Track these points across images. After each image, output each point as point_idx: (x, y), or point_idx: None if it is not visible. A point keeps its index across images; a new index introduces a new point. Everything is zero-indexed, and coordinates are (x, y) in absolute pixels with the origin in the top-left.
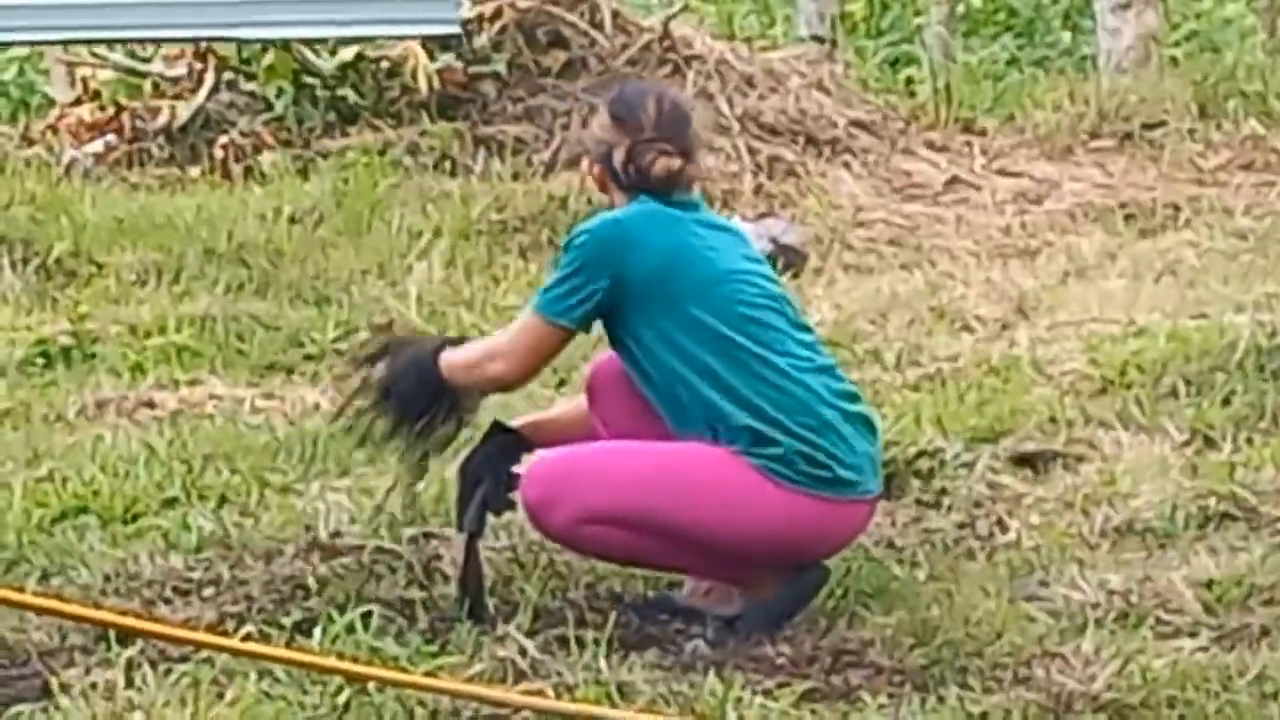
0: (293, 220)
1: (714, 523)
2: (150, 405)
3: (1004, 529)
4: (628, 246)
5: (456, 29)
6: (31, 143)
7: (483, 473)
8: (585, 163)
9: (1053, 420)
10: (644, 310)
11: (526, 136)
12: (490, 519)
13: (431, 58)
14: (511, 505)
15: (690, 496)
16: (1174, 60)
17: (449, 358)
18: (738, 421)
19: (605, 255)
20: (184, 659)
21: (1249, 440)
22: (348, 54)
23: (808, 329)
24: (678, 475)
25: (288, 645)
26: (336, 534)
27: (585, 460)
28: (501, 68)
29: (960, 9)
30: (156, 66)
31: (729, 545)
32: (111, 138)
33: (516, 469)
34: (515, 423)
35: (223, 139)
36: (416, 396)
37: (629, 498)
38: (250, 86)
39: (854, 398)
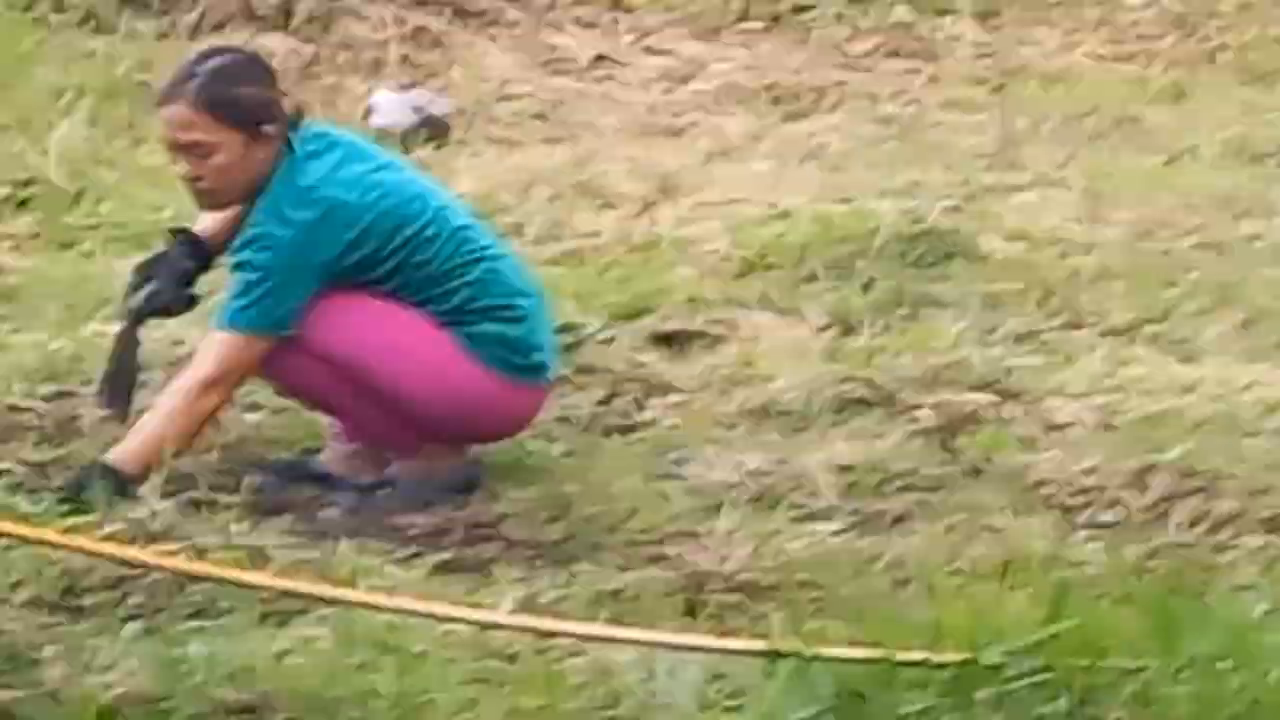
0: None
1: (413, 387)
2: None
3: (642, 408)
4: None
5: None
6: None
7: (159, 268)
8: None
9: (693, 300)
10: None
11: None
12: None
13: None
14: (188, 302)
15: (402, 357)
16: None
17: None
18: (448, 304)
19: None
20: None
21: (887, 327)
22: None
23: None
24: (395, 334)
25: None
26: None
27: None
28: None
29: None
30: None
31: (419, 410)
32: None
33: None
34: (197, 227)
35: None
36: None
37: (347, 342)
38: None
39: (538, 286)
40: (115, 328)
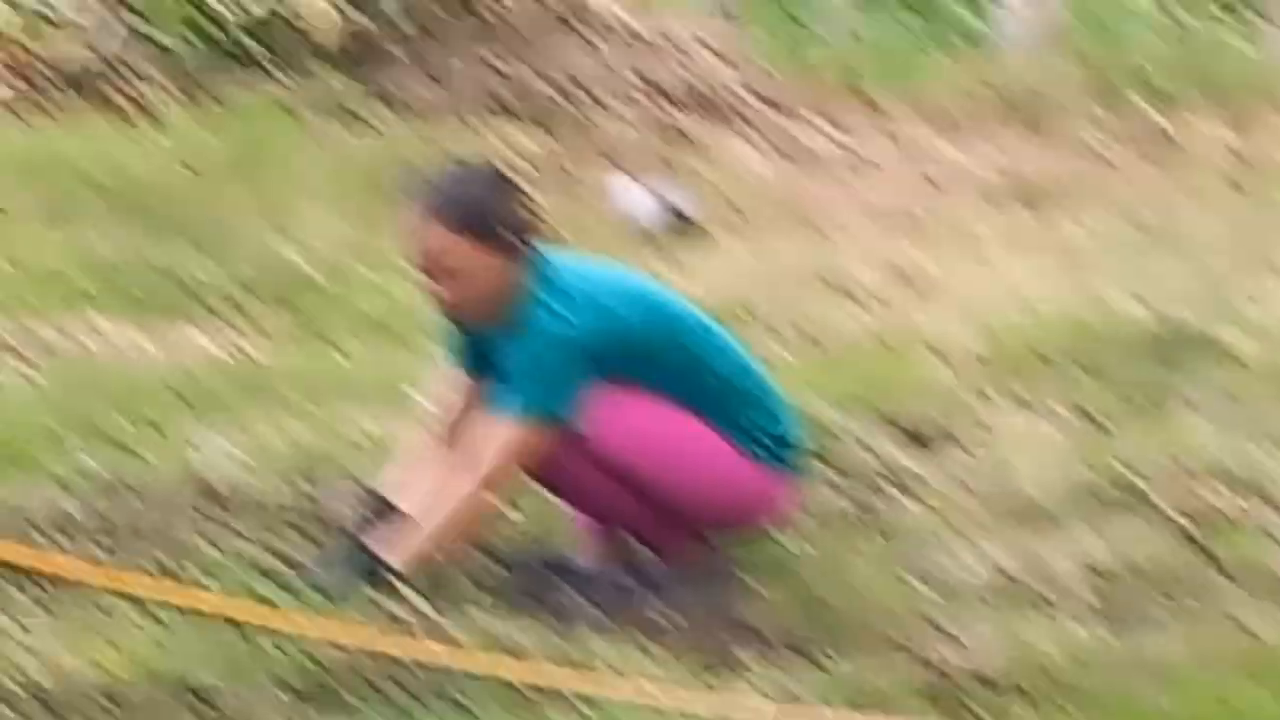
0: (191, 167)
1: (687, 484)
2: (35, 342)
3: (892, 504)
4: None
5: None
6: None
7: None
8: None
9: (942, 397)
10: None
11: (428, 94)
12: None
13: (337, 10)
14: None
15: (676, 454)
16: (1072, 43)
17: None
18: (709, 399)
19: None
20: (75, 602)
21: (1138, 425)
22: (257, 8)
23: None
24: (667, 431)
25: (181, 591)
26: (227, 481)
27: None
28: (405, 24)
29: None
30: (60, 9)
31: (690, 506)
32: (14, 80)
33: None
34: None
35: (124, 84)
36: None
37: (620, 439)
38: (154, 32)
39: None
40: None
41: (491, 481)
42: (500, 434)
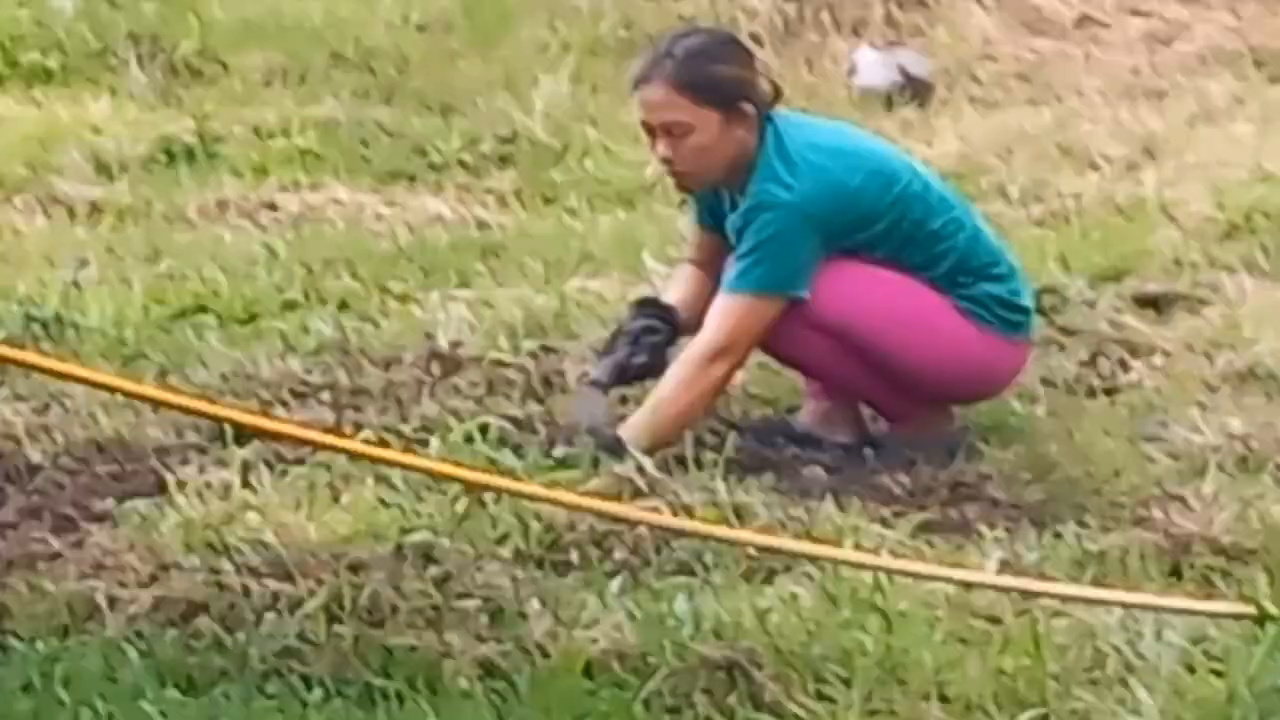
0: (420, 29)
1: (918, 354)
2: (272, 207)
3: (1125, 369)
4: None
5: None
6: None
7: (623, 341)
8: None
9: (1177, 263)
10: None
11: None
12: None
13: None
14: (657, 373)
15: (906, 324)
16: None
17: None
18: (941, 268)
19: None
20: (300, 461)
21: None
22: None
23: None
24: (897, 301)
25: (405, 451)
26: (456, 344)
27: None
28: None
29: None
30: None
31: (921, 376)
32: None
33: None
34: (666, 298)
35: None
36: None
37: (850, 311)
38: None
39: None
40: (579, 394)
41: (726, 359)
42: (734, 307)
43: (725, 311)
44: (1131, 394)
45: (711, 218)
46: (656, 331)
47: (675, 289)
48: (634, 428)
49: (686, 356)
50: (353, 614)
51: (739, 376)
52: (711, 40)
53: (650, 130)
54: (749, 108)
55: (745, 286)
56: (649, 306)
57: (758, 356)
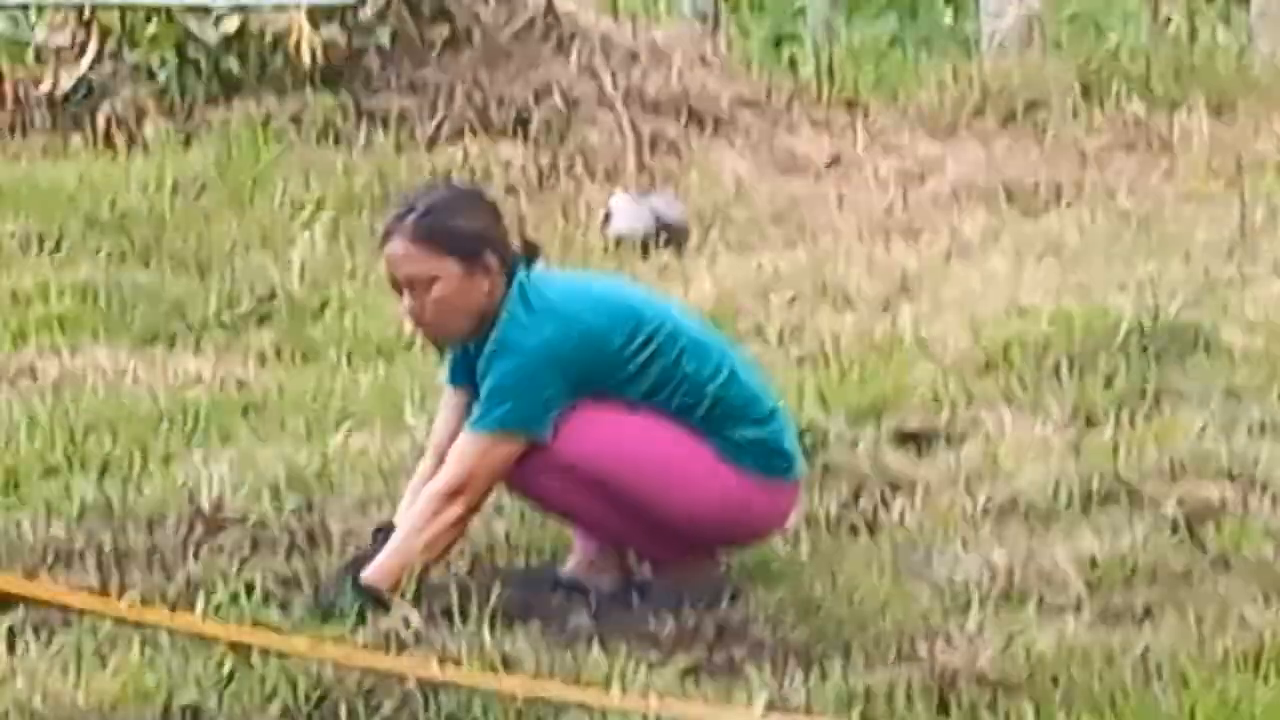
0: (175, 190)
1: (676, 499)
2: (32, 373)
3: (887, 506)
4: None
5: None
6: None
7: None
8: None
9: (936, 399)
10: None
11: (410, 109)
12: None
13: (316, 28)
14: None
15: (663, 470)
16: (1057, 42)
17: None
18: (700, 411)
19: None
20: (66, 625)
21: (1131, 420)
22: (231, 25)
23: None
24: (653, 446)
25: (171, 613)
26: (219, 504)
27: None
28: (385, 40)
29: None
30: (40, 34)
31: (680, 521)
32: None
33: None
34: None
35: (105, 108)
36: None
37: (605, 455)
38: (134, 56)
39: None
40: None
41: (463, 498)
42: (472, 447)
43: (464, 451)
44: (894, 531)
45: (464, 376)
46: None
47: (431, 452)
48: (377, 569)
49: (426, 494)
50: None
51: (501, 525)
52: (452, 194)
53: (396, 286)
54: (492, 260)
55: (484, 426)
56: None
57: (523, 504)
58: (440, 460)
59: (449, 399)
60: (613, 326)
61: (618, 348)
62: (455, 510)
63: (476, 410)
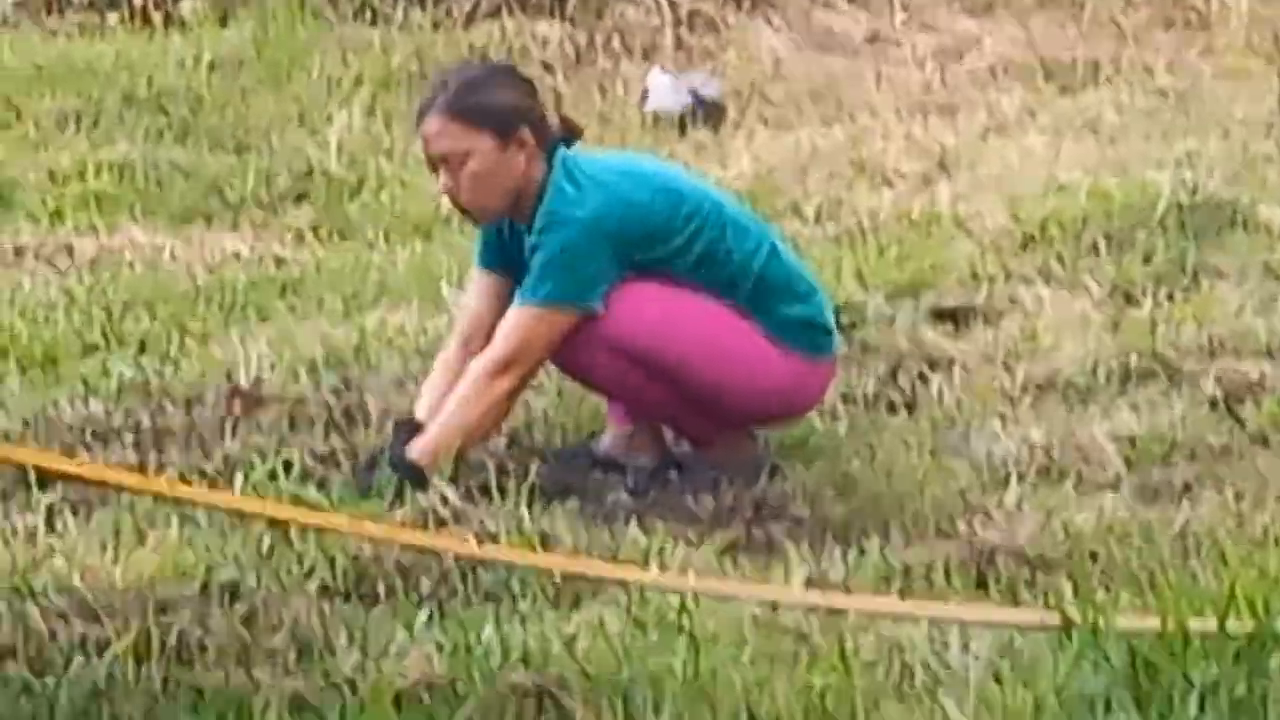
0: (213, 68)
1: (723, 378)
2: (69, 251)
3: (925, 384)
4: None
5: None
6: None
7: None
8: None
9: (974, 276)
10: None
11: None
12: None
13: None
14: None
15: (711, 348)
16: None
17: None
18: (745, 290)
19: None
20: (104, 503)
21: (1169, 297)
22: None
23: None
24: (701, 325)
25: (209, 490)
26: (257, 381)
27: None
28: None
29: None
30: None
31: (727, 399)
32: None
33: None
34: (420, 412)
35: None
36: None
37: (653, 334)
38: None
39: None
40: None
41: (513, 372)
42: (524, 319)
43: (514, 324)
44: (932, 408)
45: (496, 259)
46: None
47: (456, 337)
48: (423, 446)
49: (473, 370)
50: (161, 654)
51: (540, 402)
52: (487, 70)
53: (432, 164)
54: (526, 134)
55: (535, 298)
56: (408, 428)
57: (562, 381)
58: (466, 346)
59: (478, 281)
60: (656, 200)
61: (663, 221)
62: (506, 384)
63: (527, 283)
